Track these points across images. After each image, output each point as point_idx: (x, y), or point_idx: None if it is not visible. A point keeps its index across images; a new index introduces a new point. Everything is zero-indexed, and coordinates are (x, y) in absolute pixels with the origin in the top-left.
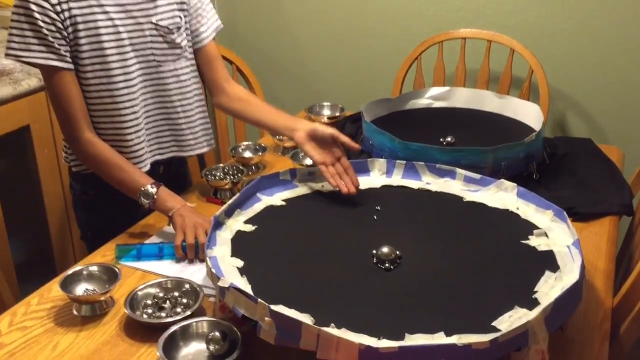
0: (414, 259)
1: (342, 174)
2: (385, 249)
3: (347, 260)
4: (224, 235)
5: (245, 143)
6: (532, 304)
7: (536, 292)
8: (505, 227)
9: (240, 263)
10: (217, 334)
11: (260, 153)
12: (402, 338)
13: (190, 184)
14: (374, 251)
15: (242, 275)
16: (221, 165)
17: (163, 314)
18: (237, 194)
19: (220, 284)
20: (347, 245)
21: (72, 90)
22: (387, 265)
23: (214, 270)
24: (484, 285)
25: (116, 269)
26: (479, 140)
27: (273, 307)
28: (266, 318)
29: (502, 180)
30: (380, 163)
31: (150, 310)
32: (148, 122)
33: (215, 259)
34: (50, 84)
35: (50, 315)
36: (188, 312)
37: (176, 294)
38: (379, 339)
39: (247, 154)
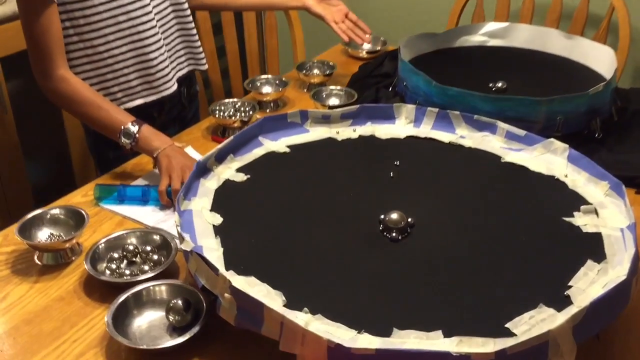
0: (428, 229)
1: (353, 29)
2: (394, 215)
3: (348, 226)
4: (209, 185)
5: (264, 76)
6: (562, 303)
7: (570, 287)
8: (546, 198)
9: (218, 220)
10: (179, 302)
11: (280, 88)
12: (388, 333)
13: (198, 119)
14: (382, 216)
15: (216, 235)
16: (232, 100)
17: (128, 272)
18: (233, 136)
19: (183, 246)
20: (352, 207)
21: (54, 23)
22: (393, 234)
23: (179, 229)
24: (507, 271)
25: (84, 213)
26: (535, 89)
27: (235, 282)
28: (226, 294)
29: (552, 139)
30: (408, 110)
31: (114, 266)
32: (164, 32)
33: (189, 213)
34: (28, 17)
35: (9, 261)
36: (151, 274)
37: (148, 248)
38: (359, 332)
39: (266, 89)
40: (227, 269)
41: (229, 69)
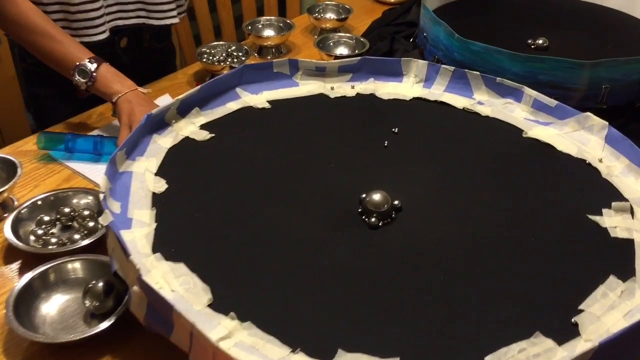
0: (416, 216)
1: None
2: (376, 196)
3: (320, 205)
4: (163, 143)
5: (267, 18)
6: (566, 332)
7: (581, 311)
8: (570, 188)
9: (161, 187)
10: (99, 284)
11: (283, 32)
12: (331, 355)
13: (174, 68)
14: (363, 196)
15: (153, 206)
16: (224, 42)
17: (55, 240)
18: (201, 85)
19: (101, 219)
20: (330, 182)
21: None
22: (372, 220)
23: (101, 196)
24: (503, 282)
25: (16, 162)
26: (583, 49)
27: (155, 269)
28: (135, 287)
29: (589, 114)
30: (419, 66)
31: (41, 231)
32: None
33: (128, 176)
34: None
35: None
36: (82, 243)
37: (86, 212)
38: (293, 350)
39: (267, 32)
40: (154, 250)
41: (242, 17)
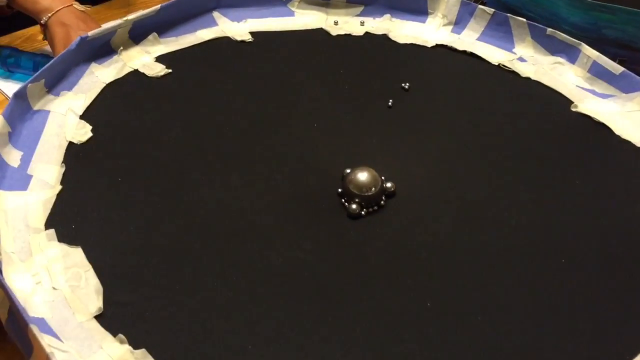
0: (413, 208)
1: None
2: (363, 175)
3: (291, 180)
4: (101, 75)
5: None
6: None
7: None
8: (626, 188)
9: (83, 136)
10: None
11: None
12: None
13: None
14: (347, 172)
15: (63, 162)
16: None
17: None
18: (163, 4)
19: None
20: (309, 149)
21: None
22: (353, 207)
23: None
24: (514, 322)
25: None
26: None
27: (43, 253)
28: None
29: None
30: (450, 3)
31: None
32: None
33: (43, 116)
34: None
35: None
36: None
37: None
38: None
39: None
40: (48, 225)
41: None
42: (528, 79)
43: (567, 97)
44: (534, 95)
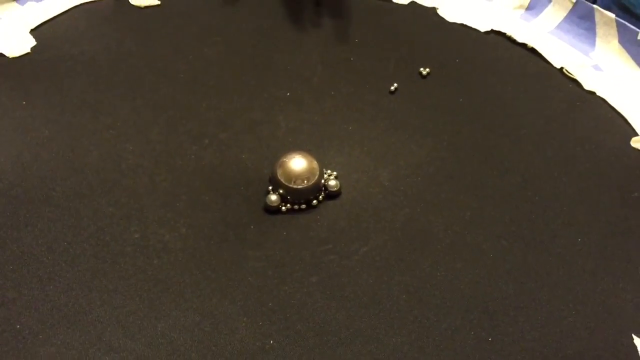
0: (356, 213)
1: None
2: (299, 162)
3: (216, 166)
4: None
5: None
6: None
7: None
8: None
9: (20, 50)
10: None
11: None
12: None
13: None
14: (284, 160)
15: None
16: None
17: None
18: None
19: None
20: (269, 126)
21: None
22: (273, 199)
23: None
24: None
25: None
26: None
27: None
28: None
29: None
30: None
31: None
32: None
33: None
34: None
35: None
36: None
37: None
38: None
39: None
40: None
41: None
42: (593, 94)
43: (632, 127)
44: (592, 119)
